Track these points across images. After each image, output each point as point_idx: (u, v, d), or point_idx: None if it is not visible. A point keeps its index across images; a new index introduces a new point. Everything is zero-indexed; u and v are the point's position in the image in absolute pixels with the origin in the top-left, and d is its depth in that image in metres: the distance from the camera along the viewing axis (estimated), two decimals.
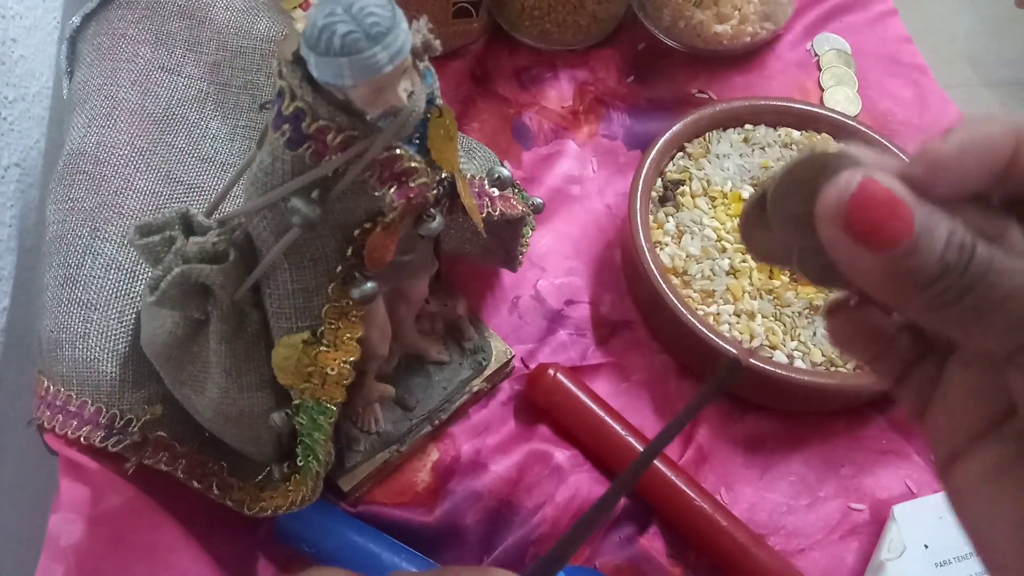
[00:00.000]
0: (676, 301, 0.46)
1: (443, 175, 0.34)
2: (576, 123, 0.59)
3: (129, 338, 0.39)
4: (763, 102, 0.55)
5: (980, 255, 0.18)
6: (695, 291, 0.48)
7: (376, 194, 0.31)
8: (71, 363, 0.39)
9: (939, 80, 0.63)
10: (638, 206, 0.49)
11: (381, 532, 0.43)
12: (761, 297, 0.48)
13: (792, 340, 0.47)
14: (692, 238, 0.50)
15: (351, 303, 0.33)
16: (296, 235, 0.31)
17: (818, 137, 0.54)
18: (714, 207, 0.51)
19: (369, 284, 0.33)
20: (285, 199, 0.30)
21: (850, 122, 0.54)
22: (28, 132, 0.49)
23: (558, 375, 0.47)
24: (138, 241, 0.33)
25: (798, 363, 0.46)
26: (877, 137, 0.53)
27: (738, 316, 0.48)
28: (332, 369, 0.34)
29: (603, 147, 0.59)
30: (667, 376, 0.50)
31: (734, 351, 0.44)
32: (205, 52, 0.47)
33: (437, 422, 0.46)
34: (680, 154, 0.54)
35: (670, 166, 0.53)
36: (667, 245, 0.50)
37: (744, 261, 0.49)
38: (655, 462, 0.45)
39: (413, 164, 0.31)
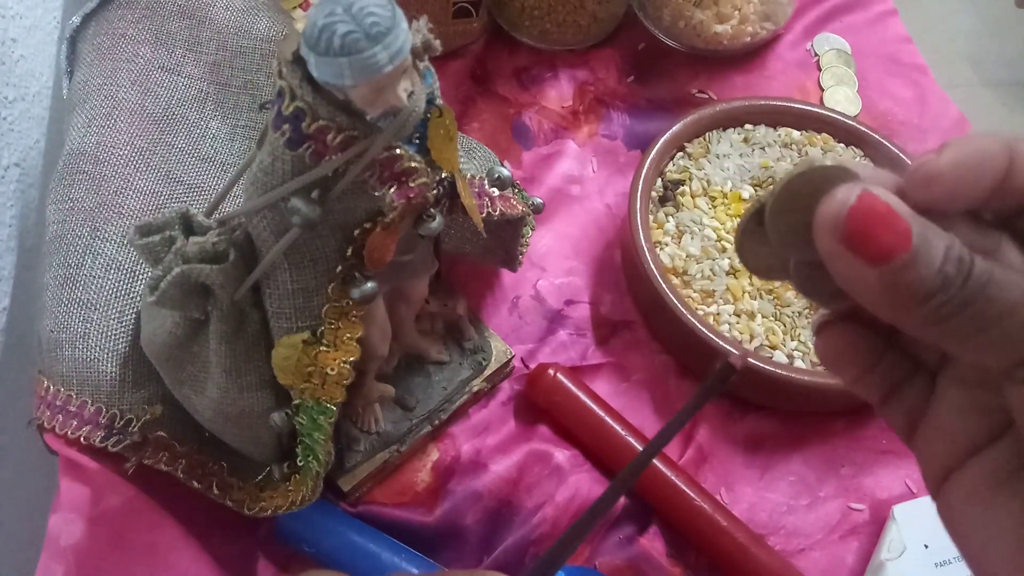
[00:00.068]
0: (676, 301, 0.46)
1: (443, 175, 0.34)
2: (576, 123, 0.59)
3: (129, 338, 0.39)
4: (763, 102, 0.55)
5: (979, 269, 0.18)
6: (695, 291, 0.48)
7: (376, 194, 0.31)
8: (71, 363, 0.39)
9: (939, 80, 0.63)
10: (638, 206, 0.49)
11: (381, 532, 0.43)
12: (761, 297, 0.48)
13: (792, 340, 0.47)
14: (692, 238, 0.50)
15: (351, 303, 0.33)
16: (296, 235, 0.31)
17: (818, 137, 0.54)
18: (714, 207, 0.51)
19: (369, 284, 0.33)
20: (285, 199, 0.30)
21: (850, 122, 0.54)
22: (28, 132, 0.49)
23: (558, 375, 0.47)
24: (138, 241, 0.33)
25: (798, 363, 0.46)
26: (877, 137, 0.53)
27: (738, 316, 0.48)
28: (332, 369, 0.34)
29: (603, 147, 0.59)
30: (667, 376, 0.50)
31: (735, 351, 0.44)
32: (205, 52, 0.47)
33: (437, 422, 0.46)
34: (680, 154, 0.54)
35: (670, 166, 0.53)
36: (667, 245, 0.50)
37: None
38: (655, 462, 0.45)
39: (413, 164, 0.31)
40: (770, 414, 0.49)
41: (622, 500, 0.45)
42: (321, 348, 0.34)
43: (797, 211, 0.19)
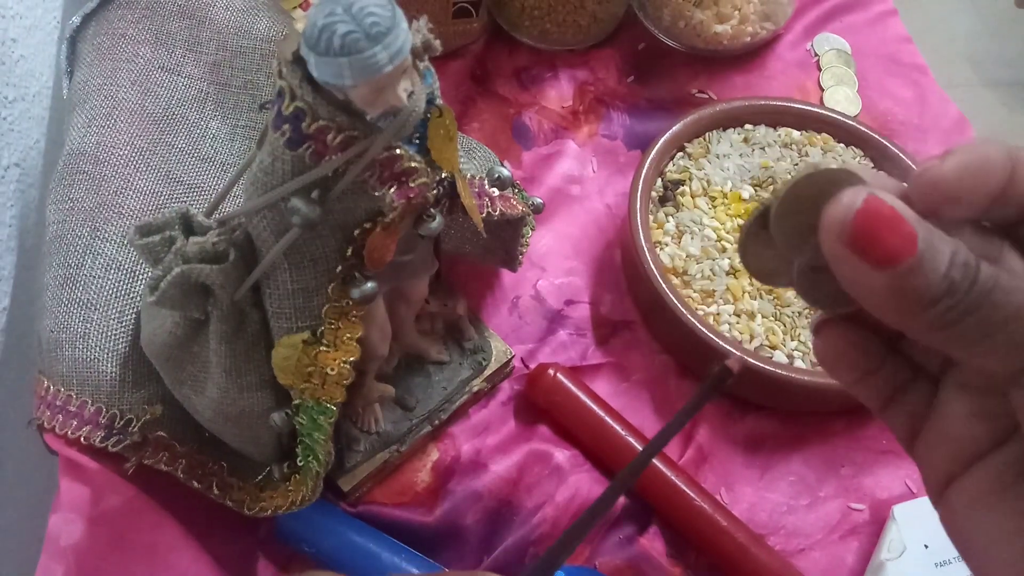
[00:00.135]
0: (676, 301, 0.46)
1: (443, 175, 0.34)
2: (576, 123, 0.59)
3: (129, 338, 0.39)
4: (763, 102, 0.55)
5: (984, 274, 0.18)
6: (695, 291, 0.48)
7: (376, 194, 0.31)
8: (71, 363, 0.39)
9: (939, 80, 0.63)
10: (638, 206, 0.49)
11: (381, 532, 0.43)
12: (761, 297, 0.48)
13: (792, 340, 0.47)
14: (692, 238, 0.50)
15: (351, 303, 0.33)
16: (296, 235, 0.31)
17: (818, 137, 0.54)
18: (714, 207, 0.51)
19: (369, 284, 0.33)
20: (285, 199, 0.30)
21: (850, 122, 0.54)
22: (28, 132, 0.49)
23: (558, 375, 0.47)
24: (138, 241, 0.33)
25: (798, 363, 0.46)
26: (877, 137, 0.53)
27: (738, 316, 0.48)
28: (332, 369, 0.34)
29: (603, 147, 0.59)
30: (667, 376, 0.50)
31: (735, 351, 0.44)
32: (205, 52, 0.47)
33: (437, 422, 0.46)
34: (680, 154, 0.54)
35: (670, 166, 0.53)
36: (667, 245, 0.50)
37: None
38: (655, 462, 0.45)
39: (413, 164, 0.31)
40: (770, 414, 0.49)
41: (622, 500, 0.45)
42: (321, 348, 0.34)
43: (802, 214, 0.19)
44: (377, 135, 0.29)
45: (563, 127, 0.59)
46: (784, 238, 0.20)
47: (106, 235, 0.41)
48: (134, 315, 0.40)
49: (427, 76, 0.31)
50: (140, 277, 0.41)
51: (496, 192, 0.41)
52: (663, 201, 0.52)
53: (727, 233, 0.50)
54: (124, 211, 0.42)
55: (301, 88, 0.27)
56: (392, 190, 0.31)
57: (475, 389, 0.47)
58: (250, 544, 0.43)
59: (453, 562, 0.44)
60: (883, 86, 0.62)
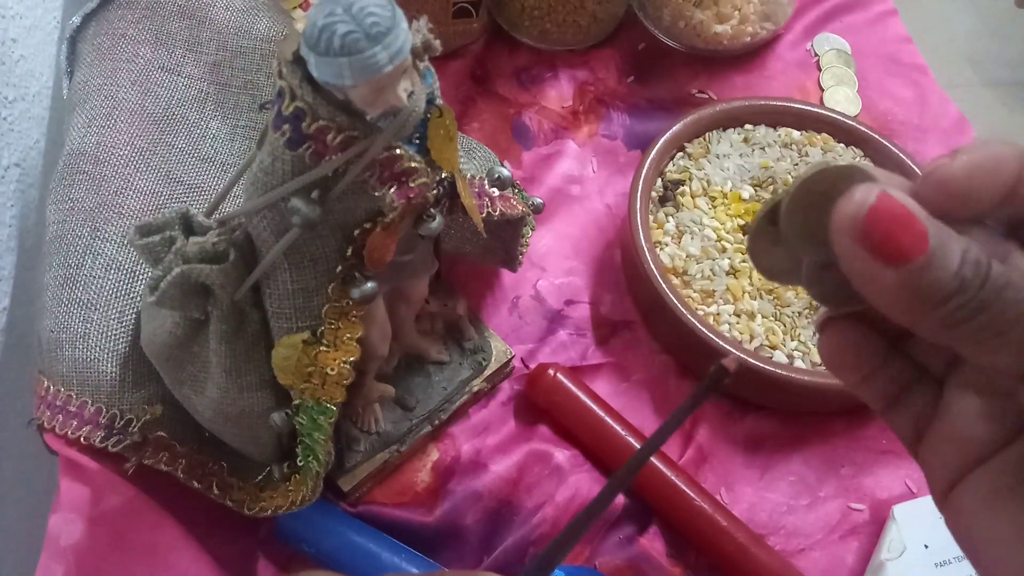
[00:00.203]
0: (676, 301, 0.46)
1: (443, 175, 0.34)
2: (576, 123, 0.59)
3: (129, 338, 0.39)
4: (763, 102, 0.55)
5: (996, 272, 0.18)
6: (695, 291, 0.48)
7: (376, 194, 0.31)
8: (71, 363, 0.39)
9: (939, 80, 0.63)
10: (638, 206, 0.49)
11: (381, 532, 0.43)
12: (761, 297, 0.48)
13: (792, 340, 0.47)
14: (692, 238, 0.50)
15: (351, 303, 0.33)
16: (296, 235, 0.31)
17: (818, 137, 0.54)
18: (714, 207, 0.51)
19: (369, 284, 0.33)
20: (285, 199, 0.30)
21: (850, 122, 0.54)
22: (28, 132, 0.49)
23: (558, 375, 0.47)
24: (138, 241, 0.33)
25: (798, 363, 0.46)
26: (877, 137, 0.53)
27: (738, 316, 0.48)
28: (332, 369, 0.34)
29: (603, 147, 0.59)
30: (667, 376, 0.50)
31: (734, 351, 0.44)
32: (205, 52, 0.47)
33: (437, 422, 0.46)
34: (680, 154, 0.54)
35: (670, 166, 0.53)
36: (667, 245, 0.50)
37: (744, 261, 0.49)
38: (655, 462, 0.45)
39: (413, 164, 0.31)
40: (770, 414, 0.49)
41: (621, 500, 0.45)
42: (321, 348, 0.34)
43: (813, 210, 0.19)
44: (377, 135, 0.29)
45: (563, 127, 0.59)
46: (794, 235, 0.20)
47: (106, 235, 0.41)
48: (134, 315, 0.40)
49: (427, 76, 0.31)
50: (140, 277, 0.41)
51: (496, 192, 0.41)
52: (663, 201, 0.52)
53: (727, 233, 0.50)
54: (124, 211, 0.42)
55: (301, 88, 0.27)
56: (392, 190, 0.31)
57: (475, 389, 0.47)
58: (250, 544, 0.43)
59: (453, 562, 0.44)
60: (883, 86, 0.62)
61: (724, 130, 0.55)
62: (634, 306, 0.52)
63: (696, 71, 0.62)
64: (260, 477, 0.41)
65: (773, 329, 0.47)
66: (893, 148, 0.52)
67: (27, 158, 0.49)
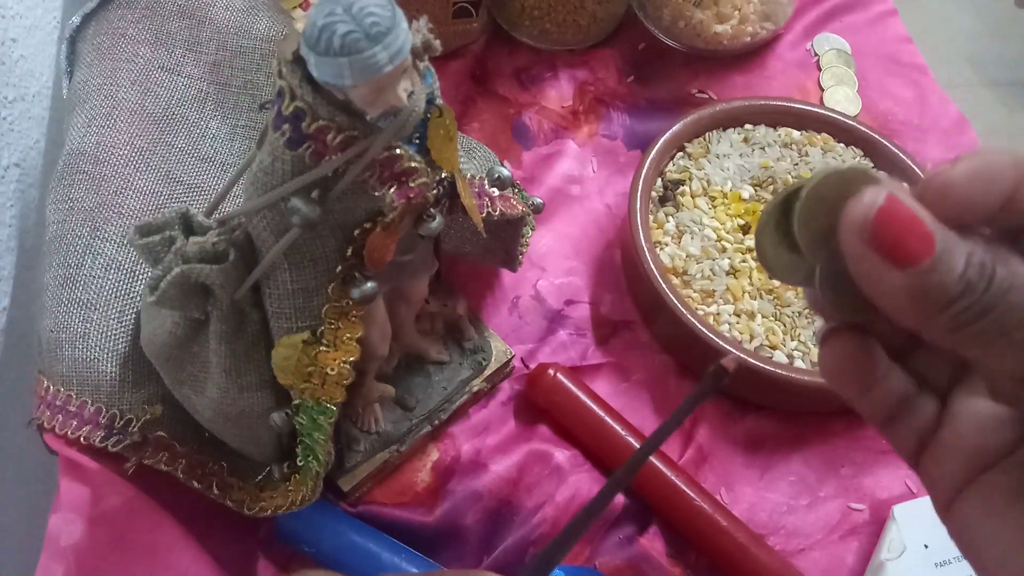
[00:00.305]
0: (676, 301, 0.46)
1: (443, 175, 0.34)
2: (576, 123, 0.59)
3: (129, 338, 0.39)
4: (763, 102, 0.55)
5: (1000, 274, 0.18)
6: (695, 291, 0.48)
7: (376, 194, 0.31)
8: (71, 363, 0.39)
9: (939, 80, 0.63)
10: (638, 206, 0.49)
11: (381, 532, 0.43)
12: (761, 297, 0.48)
13: (792, 340, 0.47)
14: (692, 238, 0.50)
15: (351, 303, 0.33)
16: (296, 235, 0.31)
17: (818, 137, 0.54)
18: (714, 207, 0.51)
19: (369, 284, 0.33)
20: (285, 199, 0.30)
21: (850, 122, 0.54)
22: (28, 132, 0.49)
23: (558, 375, 0.47)
24: (138, 241, 0.33)
25: (798, 363, 0.46)
26: (877, 137, 0.53)
27: (738, 316, 0.48)
28: (332, 369, 0.34)
29: (603, 147, 0.59)
30: (667, 376, 0.50)
31: (734, 351, 0.44)
32: (205, 52, 0.47)
33: (437, 422, 0.46)
34: (680, 154, 0.54)
35: (670, 166, 0.53)
36: (667, 245, 0.50)
37: (744, 261, 0.49)
38: (655, 462, 0.45)
39: (413, 164, 0.31)
40: (770, 414, 0.49)
41: (621, 500, 0.45)
42: (321, 348, 0.34)
43: (824, 215, 0.19)
44: (377, 135, 0.29)
45: (563, 127, 0.59)
46: (808, 241, 0.20)
47: (106, 235, 0.41)
48: (134, 315, 0.40)
49: (427, 76, 0.31)
50: (140, 277, 0.41)
51: (496, 192, 0.41)
52: (663, 201, 0.52)
53: (727, 233, 0.50)
54: (124, 211, 0.42)
55: (301, 88, 0.27)
56: (392, 190, 0.31)
57: (475, 389, 0.47)
58: (250, 544, 0.43)
59: (453, 562, 0.44)
60: (883, 86, 0.62)
61: (724, 130, 0.55)
62: (634, 306, 0.52)
63: (696, 71, 0.62)
64: (260, 477, 0.41)
65: (773, 329, 0.47)
66: (893, 148, 0.52)
67: (27, 158, 0.49)
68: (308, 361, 0.34)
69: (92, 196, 0.42)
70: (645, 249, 0.47)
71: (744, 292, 0.48)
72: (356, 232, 0.32)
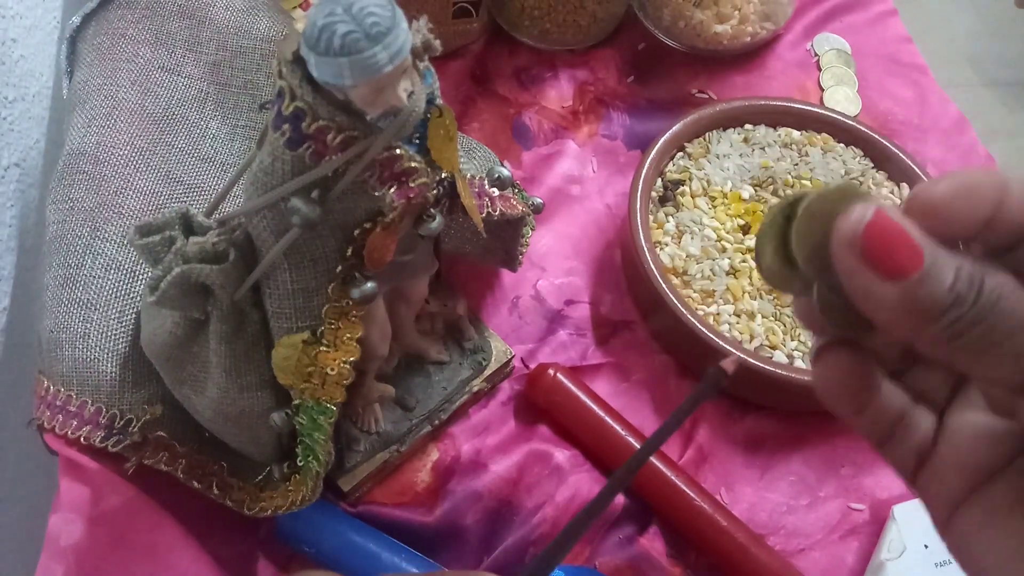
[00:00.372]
0: (676, 301, 0.46)
1: (443, 175, 0.34)
2: (576, 123, 0.59)
3: (129, 338, 0.39)
4: (763, 102, 0.55)
5: (989, 285, 0.18)
6: (695, 291, 0.48)
7: (376, 194, 0.31)
8: (71, 363, 0.39)
9: (939, 80, 0.63)
10: (638, 206, 0.49)
11: (381, 532, 0.43)
12: (761, 297, 0.48)
13: (792, 340, 0.47)
14: (692, 238, 0.50)
15: (351, 303, 0.33)
16: (296, 235, 0.31)
17: (818, 137, 0.54)
18: (714, 207, 0.51)
19: (369, 284, 0.33)
20: (285, 199, 0.30)
21: (850, 122, 0.54)
22: (28, 132, 0.49)
23: (558, 375, 0.47)
24: (138, 241, 0.33)
25: (798, 363, 0.46)
26: (877, 137, 0.53)
27: (738, 316, 0.48)
28: (332, 369, 0.34)
29: (603, 147, 0.59)
30: (667, 376, 0.50)
31: (734, 351, 0.44)
32: (205, 52, 0.47)
33: (437, 422, 0.46)
34: (680, 154, 0.54)
35: (670, 166, 0.53)
36: (667, 245, 0.50)
37: (744, 261, 0.49)
38: (655, 462, 0.45)
39: (413, 164, 0.31)
40: (770, 414, 0.49)
41: (621, 500, 0.45)
42: (321, 348, 0.34)
43: (816, 231, 0.20)
44: (377, 135, 0.29)
45: (563, 127, 0.59)
46: (806, 260, 0.21)
47: (106, 235, 0.41)
48: (134, 315, 0.40)
49: (427, 76, 0.31)
50: (140, 277, 0.41)
51: (496, 192, 0.41)
52: (663, 201, 0.52)
53: (727, 233, 0.50)
54: (124, 211, 0.42)
55: (301, 88, 0.27)
56: (392, 190, 0.31)
57: (475, 389, 0.47)
58: (250, 544, 0.43)
59: (453, 562, 0.44)
60: (883, 86, 0.62)
61: (724, 130, 0.55)
62: (634, 306, 0.52)
63: (696, 71, 0.62)
64: (260, 477, 0.41)
65: (773, 329, 0.47)
66: (893, 148, 0.52)
67: (27, 158, 0.49)
68: (308, 361, 0.34)
69: (92, 196, 0.42)
70: (645, 249, 0.47)
71: (744, 292, 0.48)
72: (356, 232, 0.32)
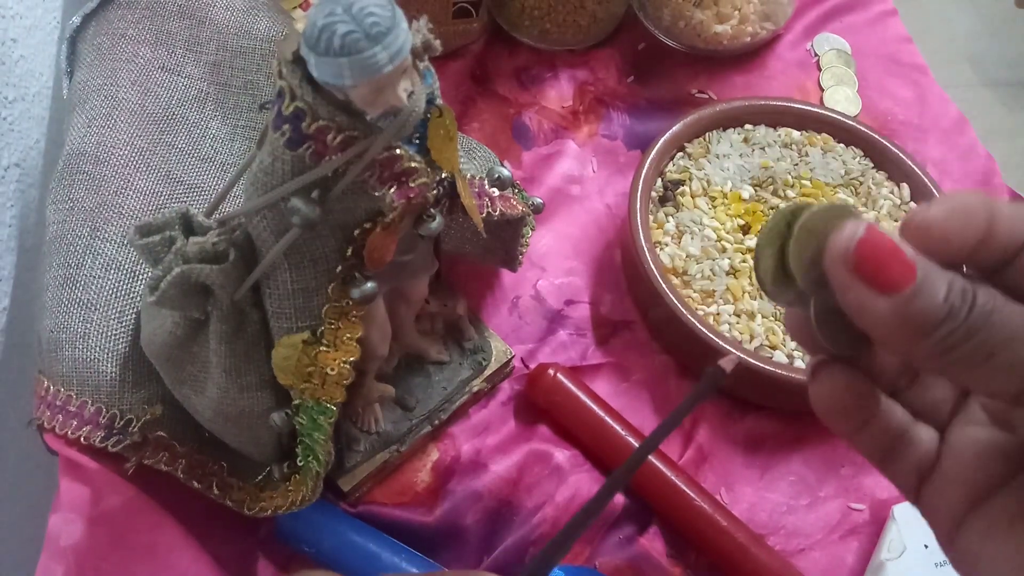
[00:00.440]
0: (676, 301, 0.46)
1: (443, 175, 0.34)
2: (576, 123, 0.59)
3: (129, 338, 0.39)
4: (763, 102, 0.55)
5: (982, 298, 0.19)
6: (695, 291, 0.48)
7: (376, 194, 0.31)
8: (71, 363, 0.39)
9: (939, 80, 0.63)
10: (638, 206, 0.49)
11: (381, 532, 0.43)
12: (761, 297, 0.48)
13: (792, 340, 0.47)
14: (692, 238, 0.50)
15: (351, 303, 0.33)
16: (296, 235, 0.31)
17: (818, 137, 0.54)
18: (714, 207, 0.51)
19: (369, 284, 0.33)
20: (285, 199, 0.30)
21: (850, 122, 0.54)
22: (28, 132, 0.49)
23: (558, 375, 0.47)
24: (138, 241, 0.33)
25: (798, 363, 0.46)
26: (877, 137, 0.53)
27: (738, 316, 0.48)
28: (332, 369, 0.34)
29: (603, 147, 0.59)
30: (667, 376, 0.50)
31: (734, 351, 0.44)
32: (205, 52, 0.47)
33: (437, 422, 0.46)
34: (680, 154, 0.54)
35: (670, 166, 0.53)
36: (667, 245, 0.50)
37: (744, 261, 0.49)
38: (655, 462, 0.45)
39: (413, 164, 0.31)
40: (770, 414, 0.49)
41: (621, 500, 0.45)
42: (321, 348, 0.34)
43: (812, 248, 0.20)
44: (377, 135, 0.29)
45: (563, 127, 0.59)
46: (804, 277, 0.21)
47: (106, 235, 0.41)
48: (134, 315, 0.40)
49: (427, 76, 0.31)
50: (140, 277, 0.41)
51: (496, 192, 0.41)
52: (663, 201, 0.52)
53: (727, 233, 0.50)
54: (124, 211, 0.42)
55: (301, 88, 0.27)
56: (392, 190, 0.31)
57: (475, 389, 0.47)
58: (250, 544, 0.43)
59: (453, 562, 0.44)
60: (883, 86, 0.62)
61: (724, 130, 0.55)
62: (634, 306, 0.52)
63: (696, 71, 0.62)
64: (260, 477, 0.41)
65: (773, 329, 0.47)
66: (893, 148, 0.52)
67: (27, 158, 0.49)
68: (308, 361, 0.34)
69: (92, 196, 0.42)
70: (645, 249, 0.47)
71: (744, 292, 0.48)
72: (356, 232, 0.32)
